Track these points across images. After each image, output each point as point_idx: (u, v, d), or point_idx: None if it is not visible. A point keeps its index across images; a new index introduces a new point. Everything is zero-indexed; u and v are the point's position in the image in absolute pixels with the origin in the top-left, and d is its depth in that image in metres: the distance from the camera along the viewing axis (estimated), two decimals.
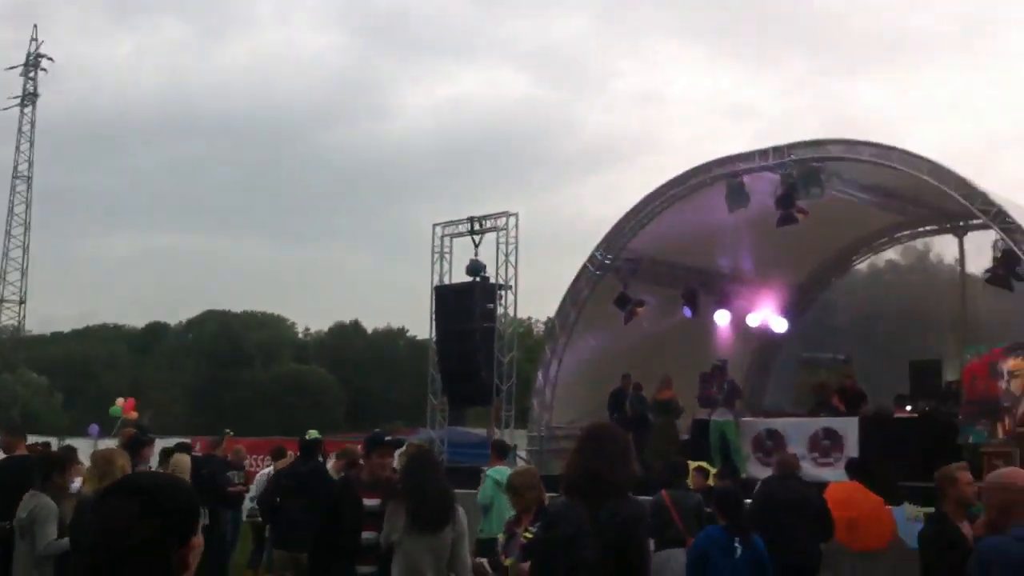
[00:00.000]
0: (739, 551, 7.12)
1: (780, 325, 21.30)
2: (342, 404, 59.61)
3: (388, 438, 7.26)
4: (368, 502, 6.79)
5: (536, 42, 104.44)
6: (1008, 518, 4.37)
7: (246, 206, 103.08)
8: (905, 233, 20.90)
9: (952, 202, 15.75)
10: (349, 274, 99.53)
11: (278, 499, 10.01)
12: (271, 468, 12.83)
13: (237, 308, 72.08)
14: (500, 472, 10.25)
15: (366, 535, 6.66)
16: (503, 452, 11.24)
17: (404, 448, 8.39)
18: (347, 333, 69.26)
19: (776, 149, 16.76)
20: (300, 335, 75.46)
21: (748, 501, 10.60)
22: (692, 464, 12.20)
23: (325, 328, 72.70)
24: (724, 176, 17.23)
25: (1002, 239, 15.01)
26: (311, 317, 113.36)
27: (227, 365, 61.33)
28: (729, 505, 7.46)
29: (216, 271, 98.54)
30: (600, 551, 4.41)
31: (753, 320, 20.66)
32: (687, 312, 19.72)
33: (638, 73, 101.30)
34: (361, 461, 8.05)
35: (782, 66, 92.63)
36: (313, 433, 11.56)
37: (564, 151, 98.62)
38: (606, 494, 4.50)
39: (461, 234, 20.08)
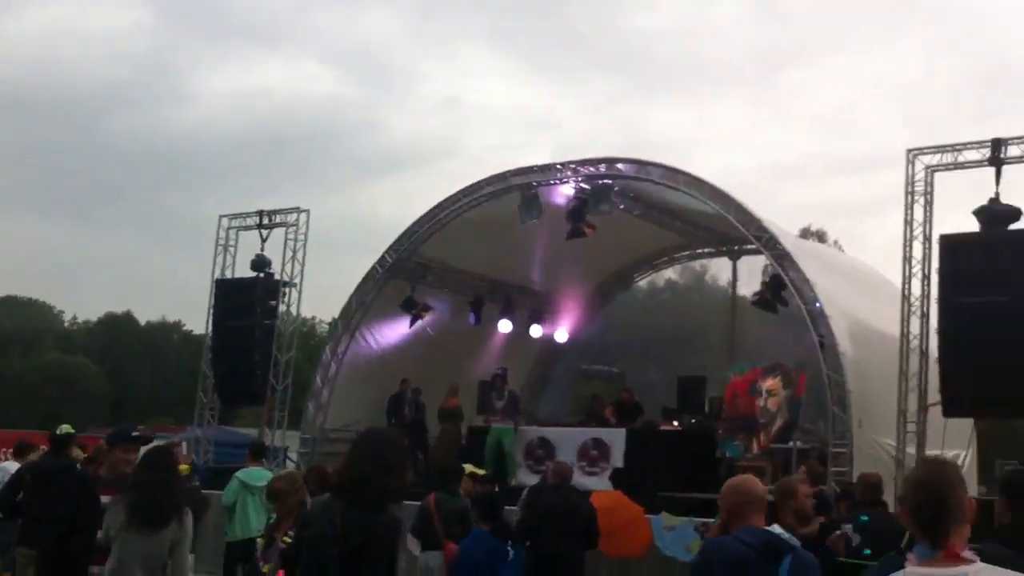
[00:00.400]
0: (511, 554, 7.14)
1: (561, 336, 21.73)
2: (108, 398, 56.73)
3: (136, 433, 6.82)
4: (105, 499, 6.39)
5: (344, 38, 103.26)
6: (736, 520, 4.53)
7: (20, 184, 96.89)
8: (685, 253, 21.71)
9: (729, 226, 16.42)
10: (126, 262, 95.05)
11: (20, 495, 9.35)
12: (8, 463, 11.92)
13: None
14: (249, 474, 9.89)
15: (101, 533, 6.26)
16: (258, 454, 10.85)
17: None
18: (118, 324, 66.01)
19: (571, 163, 17.04)
20: (67, 324, 71.48)
21: (514, 508, 10.72)
22: (468, 469, 12.19)
23: (95, 318, 69.10)
24: (519, 187, 17.37)
25: (771, 264, 15.75)
26: (81, 306, 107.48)
27: None
28: (486, 509, 7.41)
29: None
30: (345, 555, 4.34)
31: (535, 331, 20.97)
32: (472, 319, 19.81)
33: (444, 78, 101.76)
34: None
35: (586, 84, 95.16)
36: (65, 427, 10.80)
37: (363, 151, 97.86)
38: (370, 500, 4.44)
39: (249, 227, 19.38)
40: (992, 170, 13.02)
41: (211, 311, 18.98)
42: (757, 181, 69.97)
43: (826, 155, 79.46)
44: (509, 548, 7.19)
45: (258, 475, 10.34)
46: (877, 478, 8.64)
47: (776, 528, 4.55)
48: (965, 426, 13.09)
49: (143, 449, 6.73)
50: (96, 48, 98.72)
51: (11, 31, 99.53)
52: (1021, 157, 13.03)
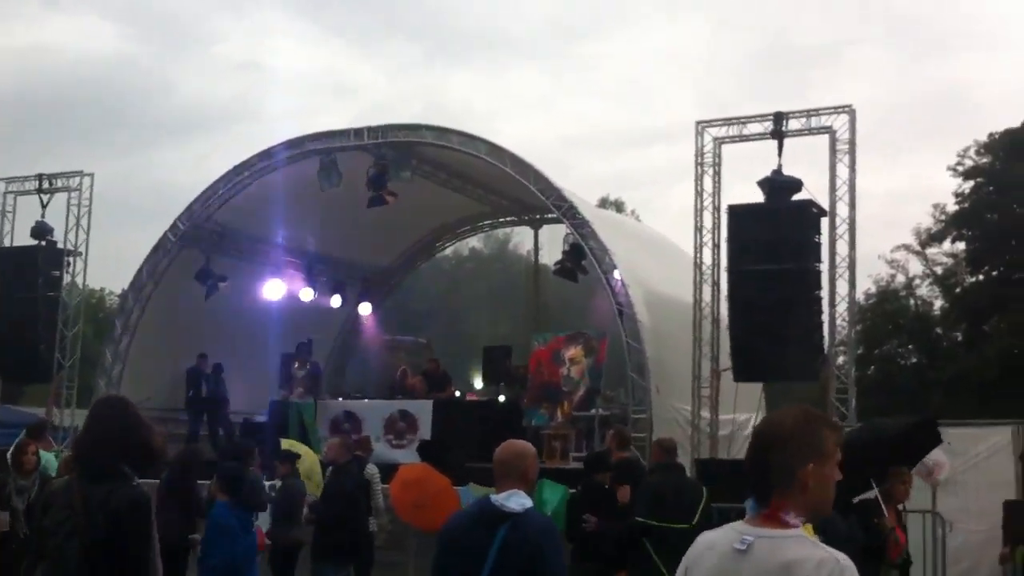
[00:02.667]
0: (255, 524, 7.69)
1: (365, 308, 21.49)
2: None
3: None
4: None
5: None
6: (498, 487, 4.70)
7: None
8: (488, 223, 21.83)
9: (530, 195, 16.59)
10: None
11: None
12: None
13: None
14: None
15: None
16: (36, 433, 10.26)
17: None
18: None
19: (371, 129, 16.76)
20: None
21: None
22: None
23: None
24: (318, 152, 16.97)
25: (571, 233, 16.03)
26: None
27: None
28: (228, 482, 7.66)
29: None
30: (90, 537, 4.09)
31: (336, 301, 20.65)
32: (271, 289, 19.29)
33: (240, 40, 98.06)
34: None
35: (388, 50, 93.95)
36: None
37: (154, 114, 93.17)
38: (103, 475, 4.22)
39: (27, 192, 18.16)
40: (775, 143, 13.62)
41: None
42: (557, 151, 71.06)
43: (621, 127, 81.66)
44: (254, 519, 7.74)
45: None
46: (671, 442, 8.94)
47: (504, 496, 4.63)
48: (755, 390, 13.72)
49: None
50: None
51: None
52: (801, 130, 13.70)
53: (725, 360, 13.45)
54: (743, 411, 13.63)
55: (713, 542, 2.69)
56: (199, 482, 9.94)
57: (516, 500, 4.63)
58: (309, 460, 12.01)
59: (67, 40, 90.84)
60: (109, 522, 4.09)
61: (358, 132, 16.83)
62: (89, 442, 4.37)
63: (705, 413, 13.37)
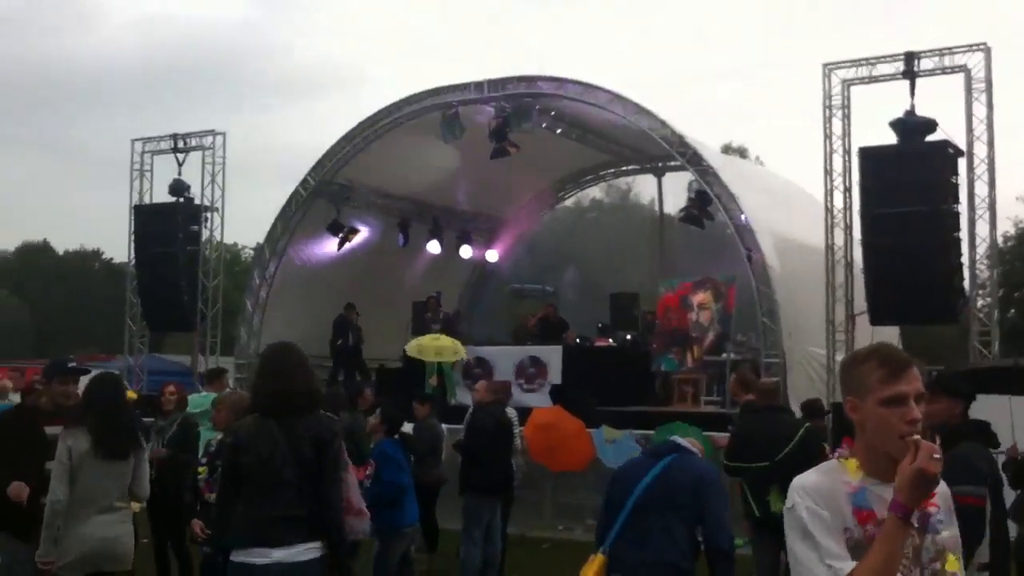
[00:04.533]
0: (412, 459, 8.16)
1: (492, 256, 21.78)
2: (30, 330, 55.19)
3: (72, 364, 6.71)
4: (51, 431, 6.32)
5: None
6: None
7: None
8: (610, 172, 21.77)
9: (652, 143, 16.50)
10: (38, 191, 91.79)
11: None
12: None
13: None
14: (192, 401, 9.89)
15: (49, 465, 6.17)
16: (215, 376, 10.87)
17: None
18: (35, 253, 63.96)
19: (491, 82, 16.85)
20: None
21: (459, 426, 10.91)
22: None
23: (11, 248, 66.79)
24: (439, 107, 17.16)
25: (696, 180, 15.92)
26: None
27: None
28: (391, 420, 8.29)
29: None
30: (297, 468, 4.61)
31: (465, 251, 20.96)
32: (400, 241, 19.70)
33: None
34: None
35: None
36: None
37: (277, 73, 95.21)
38: (295, 411, 4.72)
39: (163, 151, 18.93)
40: (907, 83, 13.28)
41: (132, 238, 18.59)
42: (678, 95, 70.02)
43: (742, 69, 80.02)
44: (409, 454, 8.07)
45: (199, 400, 10.26)
46: (775, 384, 9.04)
47: (681, 439, 5.37)
48: (892, 334, 13.54)
49: (82, 380, 6.64)
50: None
51: None
52: (933, 70, 13.33)
53: (859, 304, 13.28)
54: None
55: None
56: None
57: (687, 441, 5.31)
58: None
59: (187, 5, 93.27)
60: (314, 449, 4.68)
61: (478, 85, 16.92)
62: (273, 384, 4.85)
63: (840, 357, 13.24)
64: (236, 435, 4.86)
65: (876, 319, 12.80)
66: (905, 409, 2.43)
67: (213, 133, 18.67)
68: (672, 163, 18.06)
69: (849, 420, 2.56)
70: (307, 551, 4.58)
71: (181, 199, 18.45)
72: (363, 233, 19.13)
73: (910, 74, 13.25)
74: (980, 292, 13.45)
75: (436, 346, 15.32)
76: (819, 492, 2.47)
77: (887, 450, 2.42)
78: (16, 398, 11.56)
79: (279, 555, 4.53)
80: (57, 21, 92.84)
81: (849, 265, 13.72)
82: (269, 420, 4.72)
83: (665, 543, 5.00)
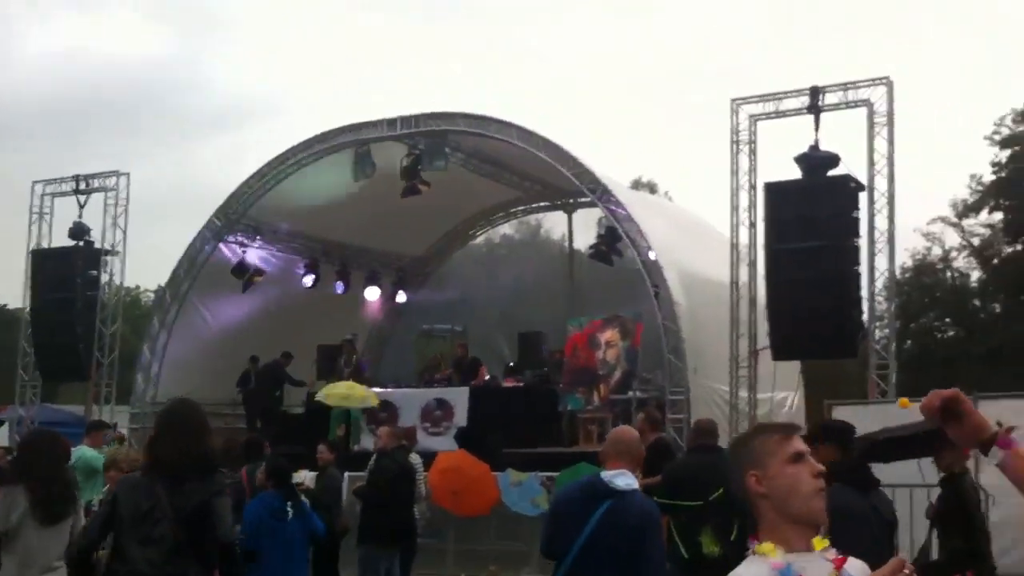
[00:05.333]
0: (290, 514, 7.51)
1: (400, 296, 21.55)
2: None
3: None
4: None
5: None
6: (606, 465, 5.12)
7: None
8: (520, 208, 21.78)
9: (564, 179, 16.54)
10: None
11: None
12: None
13: None
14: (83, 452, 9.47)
15: None
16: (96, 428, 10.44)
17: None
18: None
19: (404, 119, 16.75)
20: None
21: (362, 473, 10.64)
22: None
23: None
24: (351, 144, 17.02)
25: (606, 216, 15.96)
26: None
27: None
28: (276, 473, 7.80)
29: None
30: (176, 526, 4.64)
31: (372, 293, 20.72)
32: (307, 282, 19.38)
33: (261, 30, 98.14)
34: None
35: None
36: None
37: (186, 110, 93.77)
38: (189, 471, 4.78)
39: (65, 193, 18.42)
40: (811, 118, 13.46)
41: (28, 283, 18.00)
42: (587, 133, 70.75)
43: (654, 107, 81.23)
44: (289, 508, 7.57)
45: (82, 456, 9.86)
46: (710, 423, 8.83)
47: (613, 475, 4.98)
48: (793, 369, 13.62)
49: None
50: None
51: None
52: (838, 104, 13.54)
53: (762, 340, 13.36)
54: (782, 390, 13.52)
55: None
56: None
57: (623, 479, 4.96)
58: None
59: (96, 42, 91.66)
60: (199, 509, 4.74)
61: (391, 122, 16.84)
62: (170, 444, 4.90)
63: (743, 393, 13.29)
64: (119, 486, 4.98)
65: (778, 354, 12.87)
66: (809, 464, 2.50)
67: (117, 174, 18.23)
68: (583, 199, 18.11)
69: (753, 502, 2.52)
70: None
71: (81, 243, 17.91)
72: (269, 274, 18.80)
73: (815, 108, 13.44)
74: (878, 324, 13.63)
75: (345, 394, 14.98)
76: None
77: (797, 510, 2.47)
78: None
79: None
80: None
81: (753, 300, 13.79)
82: (156, 477, 4.79)
83: None
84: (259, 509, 7.54)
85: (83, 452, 9.51)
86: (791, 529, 2.47)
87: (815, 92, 13.47)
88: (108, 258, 18.12)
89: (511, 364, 17.71)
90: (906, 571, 2.30)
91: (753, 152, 14.13)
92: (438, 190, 17.11)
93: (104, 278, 18.12)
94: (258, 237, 18.79)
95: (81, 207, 18.16)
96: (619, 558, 4.85)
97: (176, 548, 4.59)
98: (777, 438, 2.54)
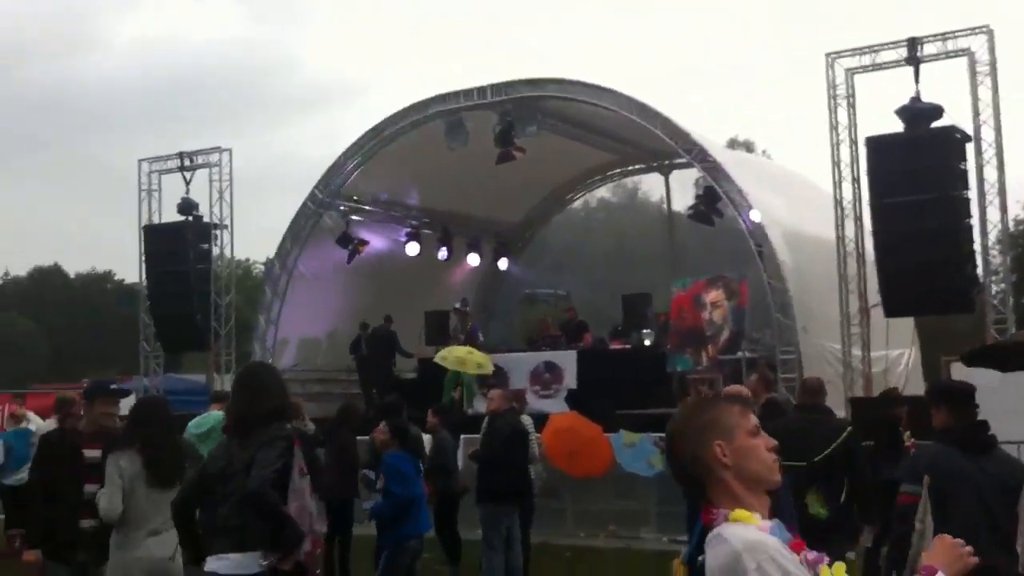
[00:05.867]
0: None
1: (502, 263, 21.76)
2: (45, 354, 55.35)
3: (114, 386, 6.80)
4: (89, 453, 6.36)
5: None
6: None
7: None
8: (616, 171, 21.74)
9: (658, 141, 16.46)
10: (47, 214, 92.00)
11: None
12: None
13: None
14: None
15: (89, 488, 6.21)
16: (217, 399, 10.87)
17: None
18: (47, 277, 64.15)
19: (494, 87, 16.82)
20: None
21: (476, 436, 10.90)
22: None
23: (24, 273, 66.99)
24: (443, 114, 17.15)
25: (703, 177, 15.86)
26: (4, 261, 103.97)
27: None
28: (399, 433, 8.06)
29: None
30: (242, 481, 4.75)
31: (474, 259, 20.95)
32: (411, 250, 19.68)
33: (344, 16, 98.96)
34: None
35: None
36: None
37: (282, 89, 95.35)
38: (254, 427, 4.89)
39: (170, 170, 18.93)
40: (911, 69, 13.18)
41: (142, 258, 18.63)
42: (683, 92, 69.80)
43: (746, 63, 79.79)
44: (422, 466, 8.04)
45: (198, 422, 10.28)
46: (818, 382, 8.67)
47: None
48: (907, 325, 13.42)
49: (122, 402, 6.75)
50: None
51: None
52: (937, 55, 13.22)
53: (872, 296, 13.19)
54: (896, 347, 13.35)
55: None
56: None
57: None
58: None
59: (191, 25, 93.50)
60: (249, 467, 4.78)
61: (481, 90, 16.91)
62: (237, 403, 5.14)
63: (856, 351, 13.15)
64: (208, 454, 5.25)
65: (890, 311, 12.70)
66: (764, 438, 2.55)
67: (219, 150, 18.69)
68: (678, 160, 18.01)
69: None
70: (236, 563, 4.72)
71: (190, 217, 18.44)
72: (372, 244, 19.15)
73: (914, 60, 13.14)
74: (994, 278, 13.35)
75: (462, 359, 15.16)
76: (764, 542, 2.37)
77: (764, 479, 2.53)
78: (33, 424, 11.62)
79: (213, 565, 4.79)
80: (60, 47, 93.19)
81: (861, 257, 13.61)
82: (232, 436, 5.03)
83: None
84: (393, 466, 7.82)
85: (213, 415, 9.90)
86: (753, 498, 2.48)
87: (913, 43, 13.17)
88: (217, 231, 18.60)
89: (618, 328, 17.77)
90: (965, 550, 2.34)
91: (852, 106, 13.90)
92: (532, 156, 17.17)
93: (215, 251, 18.63)
94: (359, 208, 19.10)
95: (187, 183, 18.64)
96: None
97: (240, 502, 4.75)
98: (739, 409, 2.56)
